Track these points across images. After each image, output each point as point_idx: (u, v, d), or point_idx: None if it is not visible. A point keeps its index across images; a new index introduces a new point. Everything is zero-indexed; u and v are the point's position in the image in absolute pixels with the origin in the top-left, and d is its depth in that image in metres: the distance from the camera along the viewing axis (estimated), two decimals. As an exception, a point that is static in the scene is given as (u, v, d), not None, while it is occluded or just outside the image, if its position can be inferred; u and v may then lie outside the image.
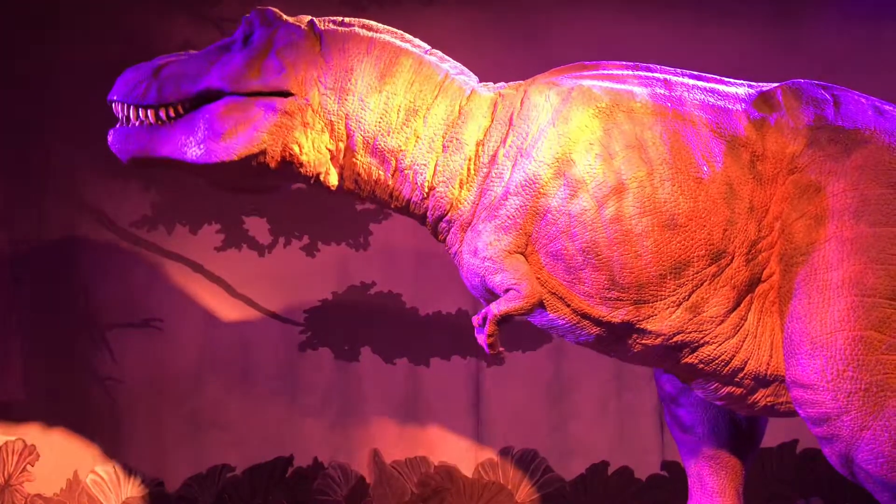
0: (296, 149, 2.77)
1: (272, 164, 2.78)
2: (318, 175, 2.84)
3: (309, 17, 2.92)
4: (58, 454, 4.62)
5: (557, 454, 4.73)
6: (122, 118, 2.91)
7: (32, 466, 4.60)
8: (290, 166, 2.81)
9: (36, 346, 4.64)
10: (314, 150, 2.78)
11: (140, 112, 2.83)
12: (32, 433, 4.61)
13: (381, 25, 2.95)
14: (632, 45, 4.66)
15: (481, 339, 2.74)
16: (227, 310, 4.75)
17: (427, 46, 2.98)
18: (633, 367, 4.62)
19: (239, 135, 2.73)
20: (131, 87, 2.87)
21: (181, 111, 2.82)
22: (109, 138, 2.91)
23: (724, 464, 3.12)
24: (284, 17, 2.92)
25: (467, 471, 4.73)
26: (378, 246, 4.80)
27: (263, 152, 2.74)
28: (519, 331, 4.75)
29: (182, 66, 2.86)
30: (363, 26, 2.92)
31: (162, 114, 2.82)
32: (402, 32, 2.95)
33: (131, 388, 4.69)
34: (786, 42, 4.74)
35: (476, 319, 2.77)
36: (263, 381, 4.77)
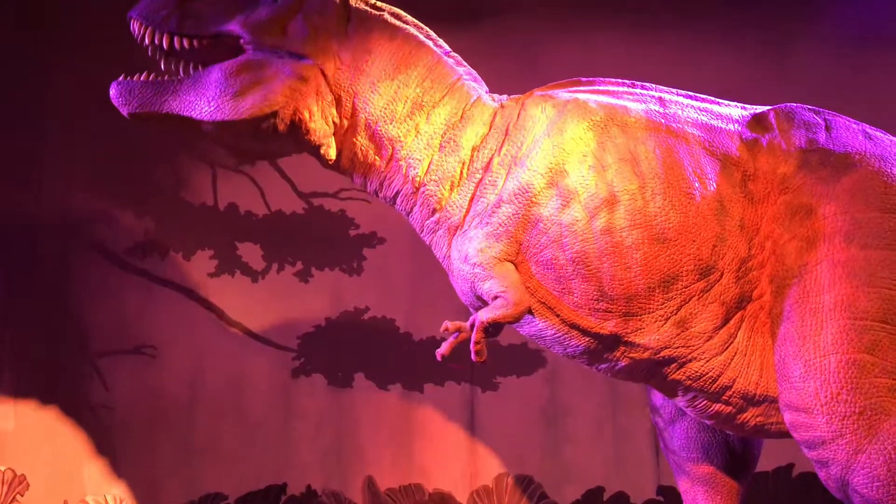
0: (306, 115, 2.76)
1: (281, 127, 2.75)
2: (319, 146, 2.84)
3: None
4: (49, 483, 4.57)
5: (553, 480, 4.70)
6: (137, 35, 2.84)
7: (23, 496, 4.55)
8: (297, 131, 2.79)
9: (27, 374, 4.61)
10: (322, 120, 2.79)
11: (156, 36, 2.78)
12: (23, 462, 4.56)
13: (409, 17, 2.98)
14: (623, 70, 4.70)
15: (443, 348, 2.72)
16: (221, 336, 4.73)
17: (447, 48, 3.03)
18: (628, 391, 4.61)
19: (253, 93, 2.71)
20: (155, 8, 2.80)
21: (195, 46, 2.78)
22: (112, 91, 2.83)
23: (720, 488, 3.10)
24: None
25: (462, 497, 4.69)
26: (372, 271, 4.79)
27: (275, 113, 2.72)
28: (513, 356, 4.74)
29: (209, 5, 2.81)
30: (393, 14, 2.95)
31: (176, 43, 2.77)
32: (427, 29, 2.99)
33: (123, 415, 4.65)
34: (776, 68, 4.79)
35: (451, 325, 2.74)
36: (256, 407, 4.74)
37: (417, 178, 2.83)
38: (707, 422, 2.95)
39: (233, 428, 4.71)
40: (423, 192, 2.84)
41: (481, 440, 4.75)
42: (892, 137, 2.93)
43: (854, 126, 2.90)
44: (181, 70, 2.84)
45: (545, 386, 4.77)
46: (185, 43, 2.78)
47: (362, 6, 2.91)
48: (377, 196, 2.97)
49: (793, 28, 4.81)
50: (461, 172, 2.83)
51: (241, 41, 2.79)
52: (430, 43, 2.95)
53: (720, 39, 4.80)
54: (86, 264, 4.73)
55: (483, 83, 3.06)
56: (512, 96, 3.02)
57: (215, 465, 4.67)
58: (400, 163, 2.84)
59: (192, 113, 2.74)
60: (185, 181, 4.79)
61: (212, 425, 4.70)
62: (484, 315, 2.68)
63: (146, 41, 2.81)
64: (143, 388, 4.68)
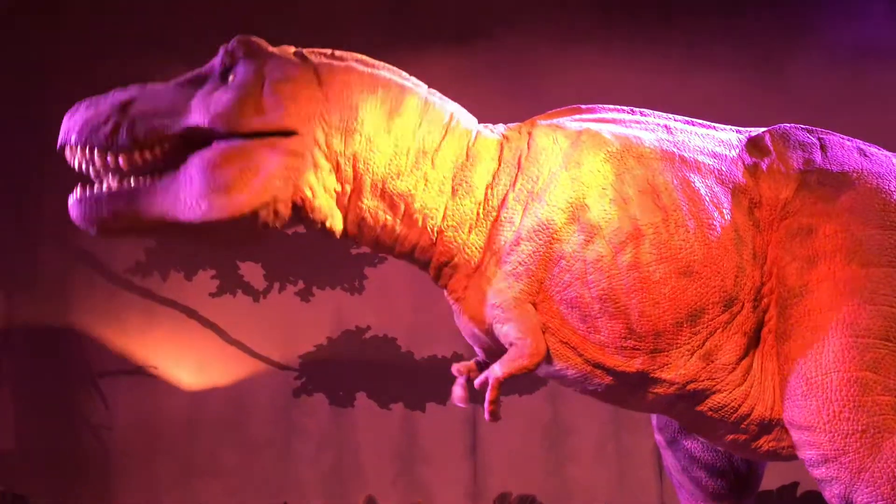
0: (308, 193, 2.51)
1: (285, 212, 2.48)
2: (322, 221, 2.59)
3: (294, 48, 2.65)
4: (48, 503, 4.56)
5: (555, 499, 4.67)
6: (82, 167, 2.46)
7: (22, 517, 4.53)
8: (301, 211, 2.53)
9: (28, 394, 4.60)
10: (325, 194, 2.56)
11: (109, 158, 2.39)
12: (23, 482, 4.55)
13: (376, 61, 2.75)
14: (620, 88, 4.72)
15: (457, 395, 2.65)
16: (221, 356, 4.73)
17: (425, 86, 2.91)
18: (631, 411, 4.59)
19: (247, 184, 2.42)
20: (94, 126, 2.43)
21: (159, 155, 2.42)
22: (74, 210, 2.45)
23: (724, 508, 3.08)
24: (270, 47, 2.63)
25: (464, 517, 4.67)
26: (373, 290, 4.79)
27: (275, 199, 2.45)
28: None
29: (153, 102, 2.46)
30: (359, 61, 2.71)
31: (137, 157, 2.40)
32: (398, 70, 2.78)
33: (124, 436, 4.64)
34: (772, 84, 4.81)
35: (463, 368, 2.69)
36: (257, 427, 4.72)
37: (436, 228, 2.66)
38: (720, 448, 2.93)
39: (233, 447, 4.70)
40: (443, 239, 2.67)
41: (483, 459, 4.73)
42: (886, 153, 2.94)
43: (848, 143, 2.90)
44: (150, 154, 2.44)
45: (548, 405, 4.75)
46: (147, 155, 2.41)
47: (325, 60, 2.63)
48: (389, 255, 2.76)
49: (789, 42, 4.83)
50: (478, 213, 2.68)
51: (214, 134, 2.44)
52: (410, 84, 2.73)
53: (717, 56, 4.83)
54: (87, 284, 4.74)
55: (471, 115, 2.85)
56: (509, 125, 2.93)
57: (216, 485, 4.65)
58: (416, 216, 2.66)
59: (178, 215, 2.38)
60: (186, 201, 4.81)
61: (212, 445, 4.69)
62: (499, 370, 2.58)
63: (94, 165, 2.40)
64: (144, 407, 4.67)
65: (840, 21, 4.82)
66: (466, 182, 2.71)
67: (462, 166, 2.72)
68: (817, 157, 2.84)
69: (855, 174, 2.80)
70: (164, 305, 4.73)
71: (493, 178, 2.74)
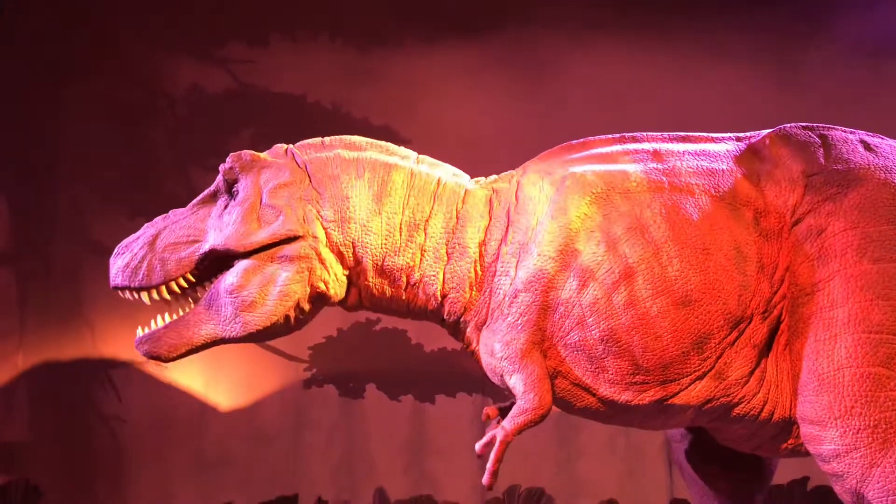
0: (322, 286, 2.77)
1: (307, 308, 2.79)
2: (341, 300, 2.85)
3: (285, 147, 2.89)
4: (61, 494, 4.59)
5: (565, 493, 4.68)
6: (135, 300, 2.85)
7: (36, 507, 4.57)
8: (320, 301, 2.82)
9: (41, 385, 4.64)
10: (336, 282, 2.80)
11: (154, 293, 2.78)
12: (36, 473, 4.58)
13: (363, 140, 2.93)
14: (632, 84, 4.71)
15: (482, 447, 2.74)
16: (232, 348, 4.74)
17: (414, 154, 2.96)
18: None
19: (269, 296, 2.72)
20: (133, 269, 2.81)
21: (191, 279, 2.78)
22: (140, 349, 2.83)
23: (735, 502, 3.08)
24: (261, 156, 2.86)
25: (474, 509, 4.68)
26: (383, 283, 4.80)
27: (297, 302, 2.75)
28: (524, 367, 4.73)
29: (175, 233, 2.81)
30: (345, 146, 2.90)
31: (174, 286, 2.78)
32: (386, 144, 2.93)
33: (136, 427, 4.67)
34: (787, 79, 4.78)
35: (486, 413, 2.80)
36: (268, 419, 4.74)
37: (438, 293, 2.82)
38: (742, 450, 2.94)
39: (244, 439, 4.72)
40: (448, 301, 2.83)
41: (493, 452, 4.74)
42: (891, 142, 2.91)
43: (851, 137, 2.87)
44: (184, 281, 2.80)
45: (557, 398, 4.76)
46: (182, 282, 2.77)
47: (313, 154, 2.85)
48: (409, 318, 2.97)
49: (806, 36, 4.80)
50: (476, 271, 2.80)
51: (231, 254, 2.77)
52: (395, 159, 2.88)
53: (732, 50, 4.80)
54: (99, 276, 4.76)
55: (464, 174, 2.99)
56: (502, 174, 2.97)
57: (227, 476, 4.67)
58: (418, 286, 2.82)
59: (225, 334, 2.76)
60: (197, 193, 4.81)
61: (224, 436, 4.71)
62: (508, 426, 2.67)
63: (146, 301, 2.81)
64: (156, 399, 4.70)
65: (856, 15, 4.79)
66: (460, 244, 2.80)
67: (453, 230, 2.82)
68: (821, 156, 2.82)
69: (861, 170, 2.78)
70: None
71: (485, 234, 2.82)
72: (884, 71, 4.77)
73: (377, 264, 2.83)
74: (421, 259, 2.82)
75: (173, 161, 4.83)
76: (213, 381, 4.74)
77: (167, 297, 2.79)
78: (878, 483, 2.61)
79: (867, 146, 2.86)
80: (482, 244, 2.83)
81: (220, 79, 4.86)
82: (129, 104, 4.86)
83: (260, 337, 2.80)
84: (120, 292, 2.85)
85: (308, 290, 2.77)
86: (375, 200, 2.84)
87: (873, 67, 4.77)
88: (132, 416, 4.68)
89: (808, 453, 2.82)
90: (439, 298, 2.83)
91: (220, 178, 2.86)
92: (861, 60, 4.77)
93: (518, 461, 4.73)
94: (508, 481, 4.73)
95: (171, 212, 2.90)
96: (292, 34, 4.89)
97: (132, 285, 2.80)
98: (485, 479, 2.69)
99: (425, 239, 2.82)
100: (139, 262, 2.80)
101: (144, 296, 2.80)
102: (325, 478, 4.70)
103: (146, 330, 2.83)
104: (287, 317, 2.76)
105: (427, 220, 2.83)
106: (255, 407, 4.76)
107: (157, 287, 2.78)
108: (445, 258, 2.82)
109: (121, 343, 4.72)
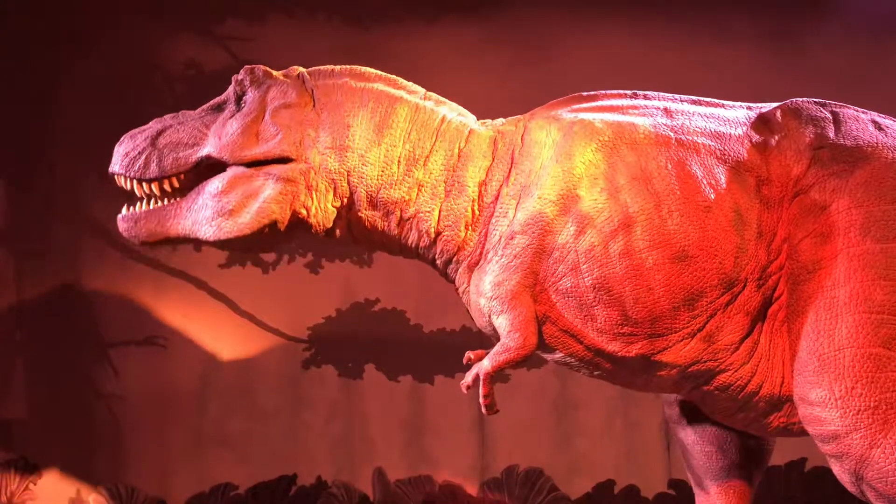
0: (304, 212, 2.78)
1: (283, 230, 2.80)
2: (326, 230, 2.85)
3: (299, 70, 2.90)
4: (60, 473, 4.60)
5: (563, 472, 4.70)
6: (125, 188, 2.91)
7: (35, 485, 4.57)
8: (299, 227, 2.83)
9: (39, 364, 4.63)
10: (321, 210, 2.79)
11: (144, 185, 2.84)
12: (35, 451, 4.59)
13: (373, 72, 2.90)
14: (635, 62, 4.67)
15: (467, 384, 2.75)
16: (231, 327, 4.74)
17: (423, 90, 2.93)
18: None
19: (247, 209, 2.74)
20: (132, 158, 2.86)
21: (183, 179, 2.84)
22: (120, 225, 2.90)
23: (732, 482, 3.09)
24: (274, 73, 2.89)
25: (472, 489, 4.69)
26: (382, 263, 4.79)
27: (273, 221, 2.76)
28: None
29: (178, 133, 2.85)
30: (354, 76, 2.88)
31: (166, 185, 2.84)
32: (395, 78, 2.91)
33: (134, 406, 4.67)
34: (790, 58, 4.74)
35: (468, 357, 2.74)
36: (267, 398, 4.75)
37: (432, 230, 2.80)
38: (731, 425, 2.94)
39: (243, 418, 4.73)
40: (441, 239, 2.81)
41: (491, 432, 4.75)
42: None
43: (862, 116, 2.86)
44: (177, 180, 2.86)
45: (556, 379, 4.76)
46: (174, 182, 2.83)
47: (322, 81, 2.87)
48: (397, 255, 2.97)
49: (810, 14, 4.76)
50: (473, 210, 2.78)
51: (223, 162, 2.81)
52: (402, 93, 2.87)
53: (733, 29, 4.76)
54: (97, 256, 4.75)
55: (470, 114, 2.97)
56: (509, 118, 2.95)
57: (226, 456, 4.68)
58: (411, 221, 2.81)
59: (197, 234, 2.80)
60: (195, 172, 4.80)
61: (222, 416, 4.72)
62: (487, 365, 2.66)
63: (137, 193, 2.88)
64: (154, 378, 4.70)
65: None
66: (459, 182, 2.79)
67: (453, 167, 2.80)
68: (830, 131, 2.80)
69: (870, 148, 2.76)
70: (173, 276, 4.74)
71: (487, 174, 2.80)
72: (888, 50, 4.74)
73: (371, 196, 2.80)
74: (418, 194, 2.80)
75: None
76: (212, 361, 4.74)
77: (156, 192, 2.84)
78: (878, 464, 2.61)
79: (878, 126, 2.84)
80: (482, 184, 2.82)
81: (218, 56, 4.82)
82: (127, 81, 4.83)
83: (229, 245, 2.82)
84: (116, 178, 2.89)
85: (288, 213, 2.77)
86: (376, 131, 2.80)
87: (879, 46, 4.73)
88: (130, 394, 4.69)
89: (800, 433, 2.82)
90: (433, 236, 2.82)
91: (231, 87, 2.88)
92: (865, 39, 4.73)
93: (516, 441, 4.74)
94: (506, 461, 4.74)
95: (181, 112, 2.93)
96: (291, 11, 4.85)
97: (127, 174, 2.85)
98: (484, 412, 2.71)
99: (424, 174, 2.79)
100: (138, 153, 2.84)
101: (137, 186, 2.84)
102: (324, 457, 4.71)
103: (130, 210, 2.87)
104: (261, 232, 2.76)
105: (427, 156, 2.80)
106: (253, 386, 4.76)
107: (149, 181, 2.83)
108: (443, 195, 2.81)
109: (119, 321, 4.71)
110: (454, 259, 2.83)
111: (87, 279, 4.71)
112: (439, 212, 2.79)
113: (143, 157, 2.83)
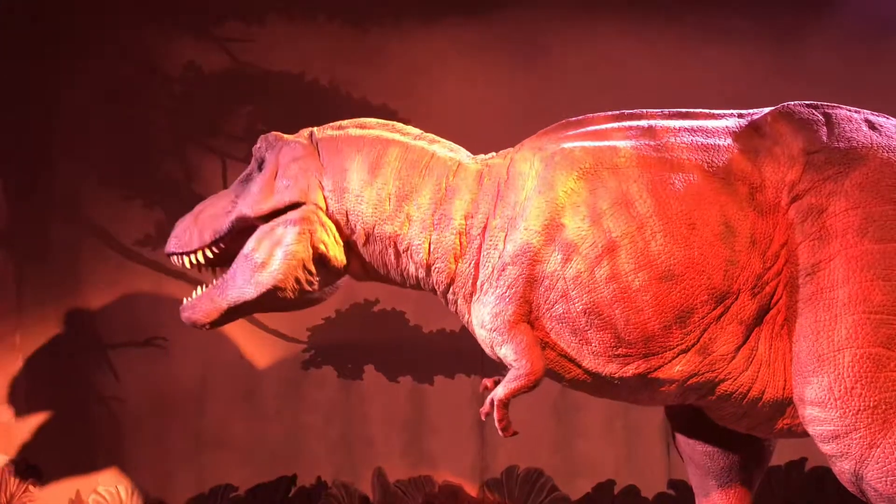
0: (322, 247, 3.00)
1: (313, 270, 3.02)
2: (344, 266, 3.08)
3: (309, 130, 3.18)
4: (60, 474, 4.60)
5: (563, 473, 4.70)
6: (183, 266, 3.23)
7: (35, 487, 4.58)
8: (323, 265, 3.04)
9: (39, 365, 4.63)
10: (336, 245, 3.02)
11: (193, 257, 3.17)
12: (35, 453, 4.59)
13: (374, 121, 3.16)
14: (635, 63, 4.68)
15: (484, 412, 2.89)
16: (231, 328, 4.74)
17: (417, 131, 3.14)
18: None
19: (275, 257, 2.98)
20: (178, 237, 3.19)
21: (223, 247, 3.14)
22: (181, 315, 3.18)
23: (733, 483, 3.10)
24: (285, 136, 3.16)
25: (472, 490, 4.69)
26: (382, 264, 4.78)
27: (301, 261, 2.99)
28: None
29: (215, 206, 3.17)
30: (357, 125, 3.13)
31: (208, 253, 3.14)
32: (394, 123, 3.15)
33: (134, 407, 4.67)
34: (787, 61, 4.74)
35: (484, 385, 2.94)
36: (267, 399, 4.75)
37: (424, 262, 2.95)
38: (737, 429, 2.96)
39: (243, 419, 4.73)
40: (434, 271, 2.96)
41: (491, 433, 4.74)
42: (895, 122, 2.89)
43: (855, 115, 2.86)
44: (217, 248, 3.18)
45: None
46: (215, 249, 3.14)
47: (327, 132, 3.14)
48: (407, 287, 3.15)
49: (809, 16, 4.76)
50: (460, 242, 2.91)
51: (251, 221, 3.09)
52: (397, 136, 3.08)
53: (729, 32, 4.76)
54: (96, 256, 4.75)
55: (462, 149, 3.13)
56: (500, 151, 3.05)
57: (226, 457, 4.68)
58: (406, 254, 2.98)
59: (244, 297, 3.04)
60: (194, 173, 4.80)
61: (222, 417, 4.72)
62: (500, 392, 2.79)
63: (189, 266, 3.22)
64: (154, 379, 4.70)
65: (857, -4, 4.75)
66: (445, 215, 2.91)
67: (441, 201, 2.94)
68: (823, 134, 2.81)
69: (864, 149, 2.77)
70: (173, 277, 4.74)
71: (473, 207, 2.89)
72: (888, 51, 4.74)
73: (368, 232, 2.99)
74: (409, 228, 2.94)
75: (171, 140, 4.81)
76: (212, 362, 4.74)
77: (201, 261, 3.15)
78: (878, 464, 2.62)
79: (871, 125, 2.85)
80: (468, 216, 2.92)
81: (218, 58, 4.82)
82: (126, 83, 4.83)
83: (275, 299, 3.03)
84: (172, 258, 3.24)
85: (310, 251, 2.99)
86: (369, 172, 2.99)
87: (877, 48, 4.73)
88: (130, 395, 4.69)
89: (803, 434, 2.83)
90: (426, 268, 2.94)
91: (253, 158, 3.19)
92: (864, 40, 4.73)
93: (516, 442, 4.74)
94: (507, 462, 4.74)
95: (221, 191, 3.30)
96: (290, 13, 4.85)
97: (176, 251, 3.18)
98: (501, 434, 2.86)
99: (414, 208, 2.95)
100: (183, 231, 3.19)
101: (186, 260, 3.14)
102: (324, 458, 4.71)
103: (188, 300, 3.17)
104: (296, 279, 3.00)
105: (417, 191, 2.98)
106: (253, 388, 4.76)
107: (193, 252, 3.14)
108: (431, 228, 2.95)
109: (119, 322, 4.71)
110: (450, 290, 2.95)
111: (87, 280, 4.71)
112: (429, 244, 2.94)
113: (188, 233, 3.16)
